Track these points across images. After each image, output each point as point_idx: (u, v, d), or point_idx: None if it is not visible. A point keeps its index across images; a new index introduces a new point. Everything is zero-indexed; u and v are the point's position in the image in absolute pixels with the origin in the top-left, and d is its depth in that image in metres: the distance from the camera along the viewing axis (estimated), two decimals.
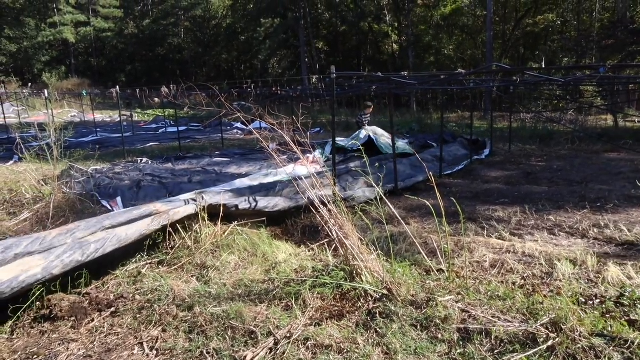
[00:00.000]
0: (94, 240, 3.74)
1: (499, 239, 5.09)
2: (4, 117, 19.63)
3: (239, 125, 20.97)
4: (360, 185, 7.20)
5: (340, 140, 11.12)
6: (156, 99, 28.86)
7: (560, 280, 3.93)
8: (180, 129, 18.19)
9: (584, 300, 3.60)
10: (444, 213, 4.05)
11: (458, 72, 7.17)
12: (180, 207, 4.50)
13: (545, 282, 3.94)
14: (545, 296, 3.61)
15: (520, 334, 3.12)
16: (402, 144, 10.85)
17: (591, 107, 18.22)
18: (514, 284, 3.92)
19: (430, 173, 4.10)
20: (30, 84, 37.80)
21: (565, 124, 16.30)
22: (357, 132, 11.60)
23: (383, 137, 11.09)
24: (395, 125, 17.05)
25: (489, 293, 3.65)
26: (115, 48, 47.30)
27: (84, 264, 3.64)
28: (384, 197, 4.41)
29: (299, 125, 4.55)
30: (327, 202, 3.97)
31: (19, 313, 3.60)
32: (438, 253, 4.35)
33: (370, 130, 11.33)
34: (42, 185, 7.20)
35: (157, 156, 12.19)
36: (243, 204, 5.27)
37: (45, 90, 17.92)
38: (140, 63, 47.04)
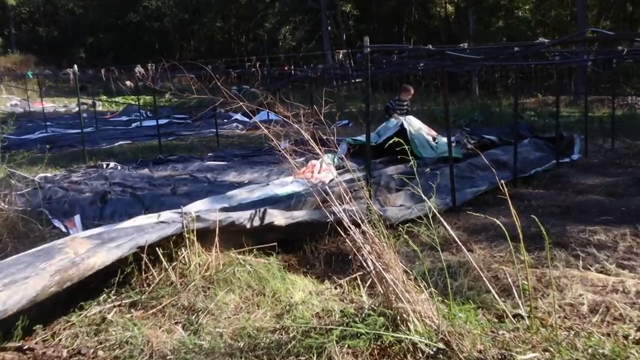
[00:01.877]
0: None
1: (601, 272, 4.99)
2: None
3: (239, 117, 21.21)
4: (402, 199, 7.16)
5: (362, 138, 11.13)
6: (128, 82, 29.34)
7: None
8: (161, 122, 18.46)
9: None
10: (521, 236, 3.98)
11: (538, 41, 7.10)
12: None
13: None
14: None
15: None
16: (443, 142, 10.78)
17: None
18: (625, 337, 3.81)
19: (502, 182, 4.04)
20: None
21: None
22: (384, 123, 11.56)
23: (420, 130, 11.07)
24: (451, 115, 16.99)
25: (589, 350, 3.56)
26: (72, 13, 48.20)
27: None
28: (438, 214, 4.37)
29: (320, 117, 4.56)
30: (359, 221, 3.95)
31: None
32: (514, 292, 4.28)
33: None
34: None
35: (129, 159, 12.38)
36: (245, 220, 5.28)
37: None
38: (105, 34, 47.99)
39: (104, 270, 4.21)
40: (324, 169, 9.02)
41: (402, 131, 10.68)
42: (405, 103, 12.27)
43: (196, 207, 6.87)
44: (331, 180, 8.16)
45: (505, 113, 18.28)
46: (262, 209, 5.54)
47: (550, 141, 11.36)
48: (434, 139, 11.23)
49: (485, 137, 12.29)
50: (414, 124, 11.36)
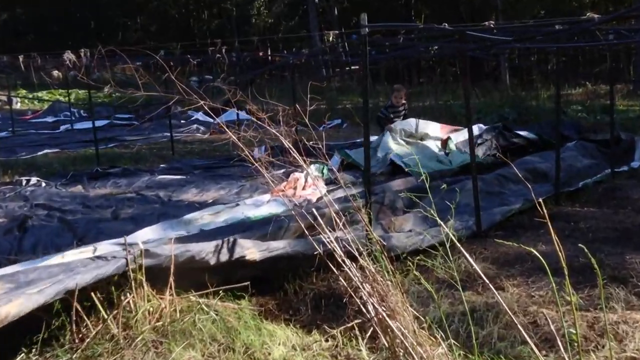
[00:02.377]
0: None
1: None
2: None
3: (200, 116, 21.22)
4: (412, 222, 7.16)
5: (354, 152, 11.31)
6: (54, 72, 29.29)
7: None
8: (99, 124, 18.39)
9: None
10: (565, 269, 3.99)
11: (587, 17, 7.16)
12: None
13: None
14: None
15: None
16: (456, 150, 11.07)
17: None
18: None
19: (540, 200, 4.06)
20: None
21: None
22: (377, 138, 11.74)
23: (425, 143, 11.59)
24: (475, 111, 17.08)
25: None
26: None
27: None
28: (457, 243, 4.38)
29: (303, 116, 4.58)
30: (356, 254, 3.96)
31: None
32: (558, 342, 4.28)
33: (397, 135, 11.56)
34: None
35: (56, 173, 12.34)
36: (209, 254, 5.27)
37: None
38: (23, 8, 47.89)
39: (21, 322, 4.17)
40: (309, 184, 9.05)
41: (394, 163, 10.85)
42: (400, 108, 12.67)
43: (144, 235, 6.85)
44: (320, 199, 8.19)
45: (544, 108, 18.42)
46: (230, 239, 5.53)
47: (604, 145, 11.41)
48: (445, 144, 11.29)
49: (521, 135, 12.29)
50: (430, 130, 11.61)
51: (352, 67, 25.52)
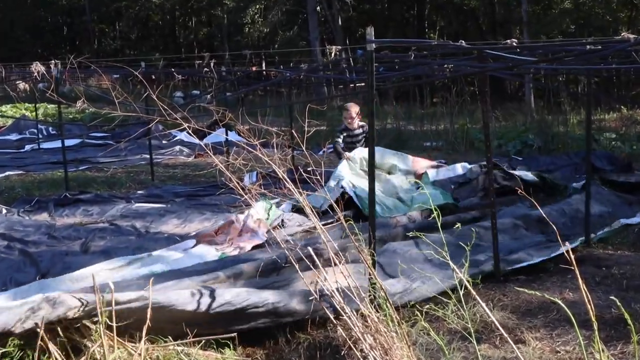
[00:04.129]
0: None
1: None
2: None
3: (184, 136, 21.22)
4: (419, 264, 7.14)
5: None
6: (20, 85, 29.34)
7: None
8: (69, 143, 18.32)
9: None
10: (595, 321, 3.98)
11: (621, 37, 7.19)
12: None
13: None
14: None
15: None
16: (432, 191, 10.50)
17: None
18: None
19: (568, 245, 4.06)
20: None
21: None
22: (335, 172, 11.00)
23: (402, 176, 11.25)
24: (495, 137, 17.12)
25: None
26: None
27: None
28: (472, 290, 4.37)
29: (300, 141, 4.59)
30: (358, 300, 3.95)
31: None
32: None
33: (357, 165, 10.99)
34: None
35: (19, 198, 12.30)
36: (184, 303, 5.24)
37: None
38: None
39: None
40: (248, 229, 8.71)
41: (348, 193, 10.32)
42: (357, 131, 11.67)
43: (102, 273, 6.89)
44: (257, 247, 8.14)
45: (574, 135, 18.41)
46: (208, 290, 5.53)
47: (627, 188, 11.22)
48: (419, 178, 10.99)
49: (515, 176, 11.22)
50: (397, 162, 11.45)
51: (357, 85, 25.62)
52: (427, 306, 5.22)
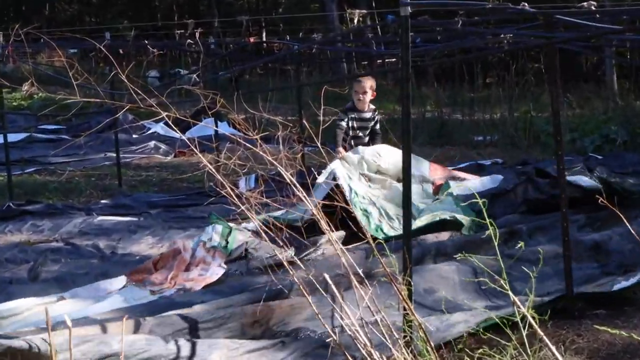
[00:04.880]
0: None
1: None
2: None
3: (160, 129, 21.26)
4: (463, 292, 7.13)
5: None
6: None
7: None
8: (14, 138, 18.38)
9: None
10: None
11: None
12: None
13: None
14: None
15: None
16: (447, 202, 10.04)
17: None
18: None
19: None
20: None
21: None
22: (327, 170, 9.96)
23: (417, 184, 10.29)
24: (565, 130, 17.05)
25: None
26: None
27: None
28: (535, 324, 4.37)
29: (311, 134, 4.59)
30: (390, 342, 3.95)
31: None
32: None
33: (355, 169, 10.06)
34: None
35: None
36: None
37: None
38: None
39: None
40: (198, 260, 8.18)
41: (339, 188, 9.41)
42: (367, 115, 11.31)
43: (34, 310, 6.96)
44: (209, 285, 7.71)
45: None
46: (190, 343, 5.57)
47: None
48: (438, 190, 10.35)
49: (571, 183, 10.39)
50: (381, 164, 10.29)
51: (386, 61, 25.58)
52: (481, 351, 5.22)
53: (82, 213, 11.89)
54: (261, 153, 4.55)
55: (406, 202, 6.46)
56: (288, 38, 22.10)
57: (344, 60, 26.55)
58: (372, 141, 11.18)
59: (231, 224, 8.75)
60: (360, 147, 10.66)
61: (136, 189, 14.51)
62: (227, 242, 8.58)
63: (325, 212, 6.05)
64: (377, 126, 11.40)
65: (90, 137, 17.43)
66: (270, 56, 22.95)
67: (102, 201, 13.14)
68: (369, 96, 11.12)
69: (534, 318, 4.40)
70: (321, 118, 4.62)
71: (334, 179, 9.41)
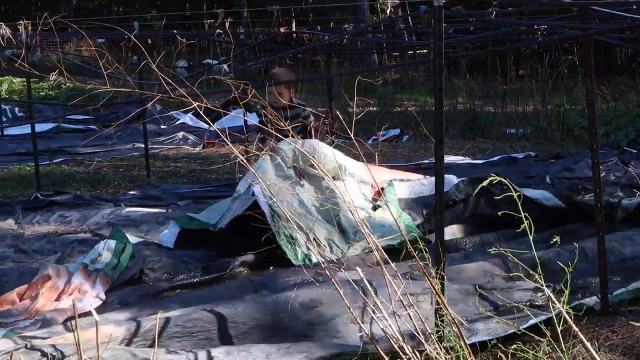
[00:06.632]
0: None
1: None
2: None
3: (189, 119, 21.29)
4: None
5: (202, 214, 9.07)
6: None
7: None
8: (41, 128, 18.39)
9: None
10: None
11: None
12: None
13: None
14: None
15: None
16: (396, 209, 8.78)
17: None
18: None
19: None
20: None
21: None
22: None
23: (355, 183, 8.94)
24: (600, 123, 16.93)
25: None
26: None
27: None
28: (571, 321, 4.34)
29: (345, 124, 4.57)
30: (422, 337, 3.93)
31: None
32: None
33: (288, 160, 8.76)
34: None
35: None
36: None
37: None
38: None
39: None
40: (74, 287, 6.94)
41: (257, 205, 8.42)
42: (287, 113, 10.01)
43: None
44: (85, 314, 6.25)
45: None
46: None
47: None
48: (379, 194, 9.28)
49: (527, 197, 9.35)
50: (352, 169, 8.94)
51: (418, 52, 25.52)
52: (514, 347, 5.19)
53: (110, 204, 11.88)
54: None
55: (439, 197, 6.43)
56: (318, 29, 22.04)
57: (374, 51, 26.47)
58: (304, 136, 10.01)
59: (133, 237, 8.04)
60: (290, 138, 8.46)
61: (164, 180, 14.48)
62: (118, 261, 7.45)
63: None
64: (303, 121, 10.34)
65: (119, 127, 17.37)
66: (300, 47, 22.90)
67: (130, 192, 13.12)
68: (285, 92, 10.20)
69: (568, 314, 4.37)
70: (354, 109, 4.60)
71: (252, 193, 8.42)
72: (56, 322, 6.17)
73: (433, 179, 9.09)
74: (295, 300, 6.01)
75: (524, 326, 6.02)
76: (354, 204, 7.47)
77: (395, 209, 8.67)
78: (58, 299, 6.77)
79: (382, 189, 9.21)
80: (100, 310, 6.43)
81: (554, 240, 5.01)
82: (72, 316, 6.04)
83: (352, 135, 4.46)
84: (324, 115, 4.95)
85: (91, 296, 6.79)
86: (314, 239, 8.12)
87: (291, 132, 5.60)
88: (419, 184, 9.69)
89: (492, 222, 9.04)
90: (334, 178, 8.09)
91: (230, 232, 8.17)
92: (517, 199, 5.16)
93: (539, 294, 6.77)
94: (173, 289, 7.21)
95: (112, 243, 7.54)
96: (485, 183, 4.64)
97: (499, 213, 5.76)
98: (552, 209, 9.52)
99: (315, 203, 8.53)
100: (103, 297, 6.82)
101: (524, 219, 4.55)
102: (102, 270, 7.14)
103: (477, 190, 7.67)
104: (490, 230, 9.11)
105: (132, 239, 8.26)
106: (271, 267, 7.74)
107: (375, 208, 8.96)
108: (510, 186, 6.66)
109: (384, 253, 4.68)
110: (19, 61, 6.95)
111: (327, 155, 8.63)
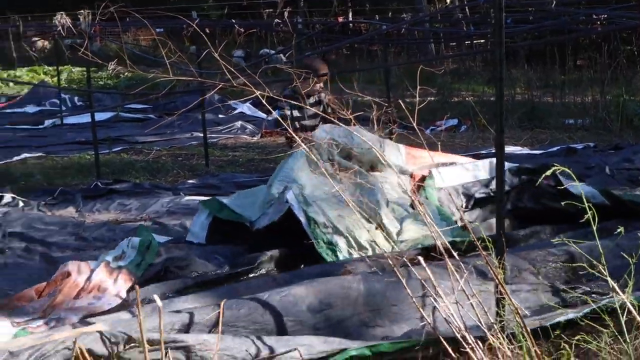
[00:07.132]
0: None
1: None
2: None
3: (247, 109, 21.32)
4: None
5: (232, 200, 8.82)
6: (39, 42, 29.80)
7: None
8: (100, 117, 18.52)
9: None
10: None
11: None
12: None
13: None
14: None
15: None
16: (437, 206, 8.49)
17: None
18: None
19: None
20: None
21: None
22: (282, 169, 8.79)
23: (393, 175, 8.34)
24: None
25: None
26: None
27: None
28: (634, 311, 4.30)
29: (407, 114, 4.56)
30: (485, 328, 3.92)
31: None
32: None
33: (324, 155, 8.52)
34: None
35: (39, 188, 12.46)
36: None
37: None
38: None
39: None
40: (92, 286, 6.75)
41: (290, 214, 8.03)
42: (312, 100, 10.55)
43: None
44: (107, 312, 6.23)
45: None
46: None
47: None
48: (419, 188, 8.66)
49: (571, 194, 8.78)
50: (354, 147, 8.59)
51: (476, 42, 25.33)
52: (577, 337, 5.14)
53: (169, 193, 11.93)
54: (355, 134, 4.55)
55: (500, 186, 6.40)
56: (377, 18, 21.99)
57: (432, 41, 26.37)
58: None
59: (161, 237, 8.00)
60: (328, 126, 8.82)
61: (223, 169, 14.52)
62: (143, 258, 7.37)
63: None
64: (325, 108, 10.45)
65: (177, 117, 17.46)
66: (357, 37, 22.86)
67: (189, 181, 13.18)
68: (313, 82, 10.21)
69: (633, 305, 4.33)
70: (417, 98, 4.59)
71: (286, 200, 7.98)
72: (70, 322, 5.90)
73: (478, 162, 9.43)
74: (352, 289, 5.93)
75: (585, 311, 6.01)
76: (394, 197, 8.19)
77: (434, 204, 8.51)
78: (77, 296, 6.59)
79: (423, 179, 8.80)
80: (122, 307, 6.36)
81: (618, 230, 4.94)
82: (88, 314, 6.06)
83: (414, 124, 4.45)
84: (386, 105, 4.87)
85: (111, 294, 6.62)
86: (355, 240, 7.75)
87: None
88: (460, 170, 9.25)
89: (530, 216, 8.75)
90: (372, 168, 8.66)
91: (264, 232, 7.98)
92: (559, 194, 5.08)
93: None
94: (198, 286, 6.97)
95: (136, 240, 7.46)
96: (548, 172, 4.53)
97: (562, 203, 5.47)
98: (598, 206, 8.84)
99: (354, 198, 7.28)
100: (123, 295, 6.63)
101: (587, 209, 4.45)
102: (125, 267, 7.01)
103: (540, 180, 7.27)
104: (532, 224, 8.63)
105: (160, 238, 8.32)
106: (302, 265, 7.49)
107: (412, 206, 8.28)
108: (573, 176, 6.36)
109: (448, 244, 4.64)
110: (82, 50, 6.95)
111: (365, 143, 7.03)
